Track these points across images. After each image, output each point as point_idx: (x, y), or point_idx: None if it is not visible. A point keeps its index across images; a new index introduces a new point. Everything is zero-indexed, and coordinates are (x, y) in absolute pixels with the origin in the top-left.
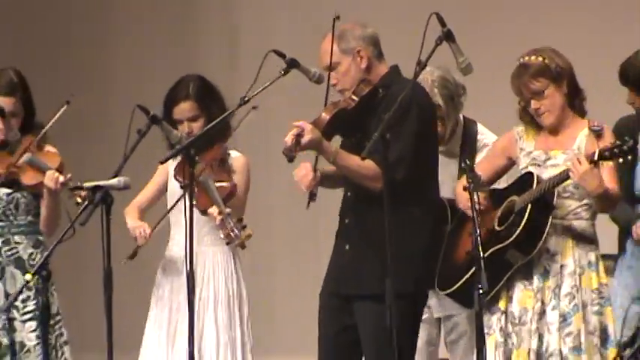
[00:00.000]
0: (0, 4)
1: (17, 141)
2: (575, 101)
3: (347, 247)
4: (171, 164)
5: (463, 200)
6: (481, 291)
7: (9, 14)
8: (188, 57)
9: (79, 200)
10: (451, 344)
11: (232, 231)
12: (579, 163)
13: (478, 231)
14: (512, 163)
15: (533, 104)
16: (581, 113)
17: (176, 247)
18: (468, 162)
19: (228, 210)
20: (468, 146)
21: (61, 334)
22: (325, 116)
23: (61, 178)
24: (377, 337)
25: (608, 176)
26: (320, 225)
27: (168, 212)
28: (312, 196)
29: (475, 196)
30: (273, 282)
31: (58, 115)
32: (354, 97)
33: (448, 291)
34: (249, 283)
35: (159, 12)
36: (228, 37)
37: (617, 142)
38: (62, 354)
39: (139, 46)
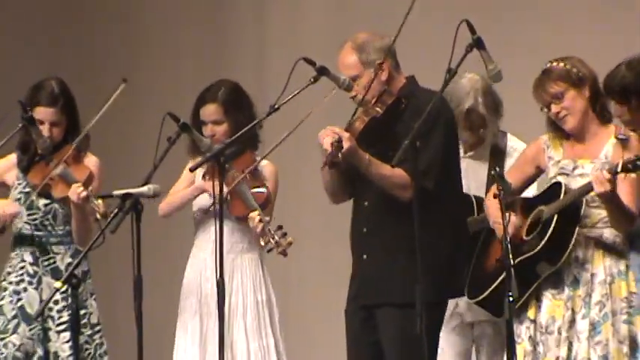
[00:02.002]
0: (35, 12)
1: (47, 149)
2: (597, 107)
3: (364, 257)
4: (199, 172)
5: (493, 209)
6: (511, 298)
7: (44, 21)
8: (217, 65)
9: (98, 217)
10: (479, 350)
11: (273, 238)
12: (603, 176)
13: (508, 239)
14: (541, 171)
15: (554, 108)
16: (605, 120)
17: (202, 254)
18: (497, 169)
19: (266, 217)
20: (498, 152)
21: (101, 344)
22: (359, 125)
23: (83, 193)
24: (400, 345)
25: (626, 190)
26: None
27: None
28: (333, 164)
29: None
30: (304, 290)
31: (115, 95)
32: (380, 106)
33: (478, 299)
34: (278, 292)
35: (189, 21)
36: (257, 44)
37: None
38: None
39: (168, 53)
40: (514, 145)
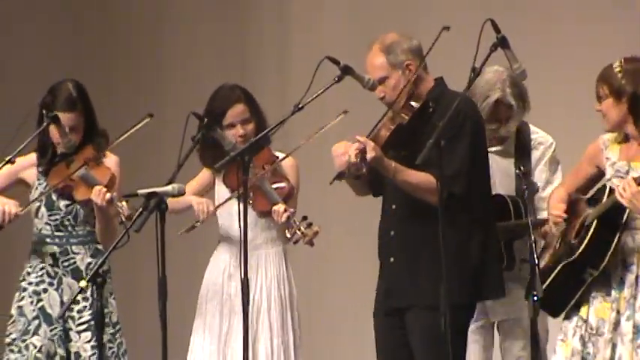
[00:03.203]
0: (56, 14)
1: (72, 149)
2: (638, 122)
3: (392, 259)
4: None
5: (553, 210)
6: (535, 298)
7: (66, 25)
8: (240, 64)
9: (123, 219)
10: (505, 349)
11: (299, 229)
12: (628, 185)
13: (533, 237)
14: (601, 171)
15: (596, 106)
16: None
17: (225, 252)
18: (522, 168)
19: (291, 209)
20: (523, 146)
21: (122, 343)
22: (385, 133)
23: (108, 195)
24: (428, 346)
25: None
26: (376, 229)
27: (224, 202)
28: (339, 176)
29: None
30: (327, 287)
31: (138, 126)
32: (407, 112)
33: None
34: (303, 288)
35: (211, 20)
36: (279, 44)
37: None
38: None
39: (191, 53)
40: (538, 137)
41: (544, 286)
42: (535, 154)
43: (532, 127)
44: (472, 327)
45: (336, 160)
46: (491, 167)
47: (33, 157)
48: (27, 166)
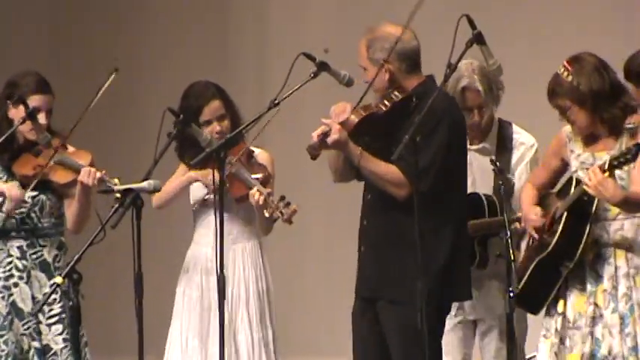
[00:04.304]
0: (32, 5)
1: (49, 143)
2: (603, 118)
3: (362, 248)
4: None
5: (529, 215)
6: (512, 294)
7: (39, 14)
8: (219, 60)
9: (118, 196)
10: (482, 348)
11: (277, 208)
12: (594, 174)
13: (509, 233)
14: (566, 164)
15: (562, 118)
16: (615, 130)
17: (202, 247)
18: (497, 164)
19: (268, 190)
20: (504, 145)
21: (83, 335)
22: (354, 119)
23: (98, 174)
24: (401, 340)
25: (638, 179)
26: (353, 222)
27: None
28: (314, 156)
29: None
30: (304, 279)
31: (107, 84)
32: (385, 103)
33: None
34: (280, 281)
35: (190, 17)
36: (258, 40)
37: (627, 148)
38: (85, 354)
39: (169, 49)
40: (520, 137)
41: (521, 284)
42: (516, 154)
43: (515, 127)
44: (451, 323)
45: (334, 115)
46: (471, 165)
47: None
48: None
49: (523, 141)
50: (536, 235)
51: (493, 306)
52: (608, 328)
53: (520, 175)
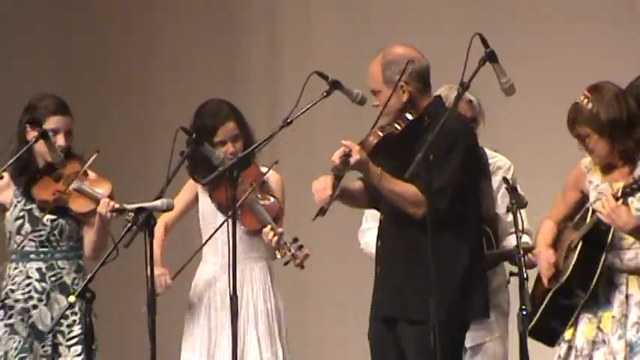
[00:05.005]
0: (40, 22)
1: (63, 163)
2: (620, 149)
3: (378, 269)
4: (200, 188)
5: (543, 262)
6: (525, 312)
7: (49, 36)
8: (229, 79)
9: (128, 219)
10: None
11: (290, 250)
12: (607, 202)
13: (521, 252)
14: (586, 196)
15: (580, 146)
16: (628, 161)
17: (209, 266)
18: (510, 182)
19: (280, 229)
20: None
21: (95, 352)
22: (373, 140)
23: (117, 205)
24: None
25: None
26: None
27: (205, 244)
28: (321, 211)
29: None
30: (314, 300)
31: (89, 162)
32: (400, 123)
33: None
34: (291, 300)
35: (201, 34)
36: (269, 58)
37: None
38: None
39: (180, 67)
40: (497, 162)
41: (536, 317)
42: (495, 179)
43: (488, 151)
44: None
45: (316, 195)
46: None
47: (6, 177)
48: (1, 189)
49: (500, 165)
50: (545, 281)
51: (481, 334)
52: (613, 354)
53: (502, 197)
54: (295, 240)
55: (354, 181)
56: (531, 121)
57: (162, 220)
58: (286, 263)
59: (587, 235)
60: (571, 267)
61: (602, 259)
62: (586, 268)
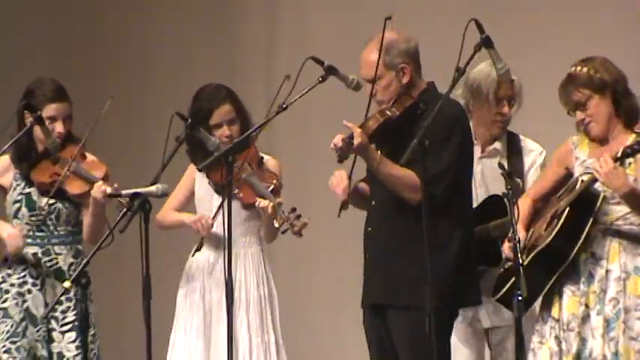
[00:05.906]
0: (40, 22)
1: (57, 149)
2: (621, 110)
3: (367, 256)
4: (199, 175)
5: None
6: (520, 298)
7: (49, 36)
8: (227, 65)
9: (122, 201)
10: (498, 355)
11: (287, 220)
12: (605, 162)
13: (517, 238)
14: (570, 173)
15: (578, 115)
16: (631, 123)
17: (205, 250)
18: (505, 167)
19: (279, 200)
20: (514, 151)
21: (94, 339)
22: (373, 124)
23: (108, 190)
24: (409, 346)
25: None
26: (361, 229)
27: (217, 212)
28: (344, 205)
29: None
30: (311, 286)
31: (104, 110)
32: (398, 107)
33: (497, 297)
34: (286, 287)
35: (198, 21)
36: (267, 44)
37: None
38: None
39: (178, 53)
40: (528, 145)
41: (506, 288)
42: (527, 160)
43: (522, 137)
44: (466, 332)
45: (335, 189)
46: (480, 174)
47: (6, 159)
48: (2, 171)
49: (532, 148)
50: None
51: (505, 316)
52: (592, 330)
53: (532, 179)
54: (293, 210)
55: (361, 182)
56: (531, 112)
57: (168, 208)
58: (284, 232)
59: (575, 201)
60: (557, 229)
61: (589, 223)
62: (571, 231)
